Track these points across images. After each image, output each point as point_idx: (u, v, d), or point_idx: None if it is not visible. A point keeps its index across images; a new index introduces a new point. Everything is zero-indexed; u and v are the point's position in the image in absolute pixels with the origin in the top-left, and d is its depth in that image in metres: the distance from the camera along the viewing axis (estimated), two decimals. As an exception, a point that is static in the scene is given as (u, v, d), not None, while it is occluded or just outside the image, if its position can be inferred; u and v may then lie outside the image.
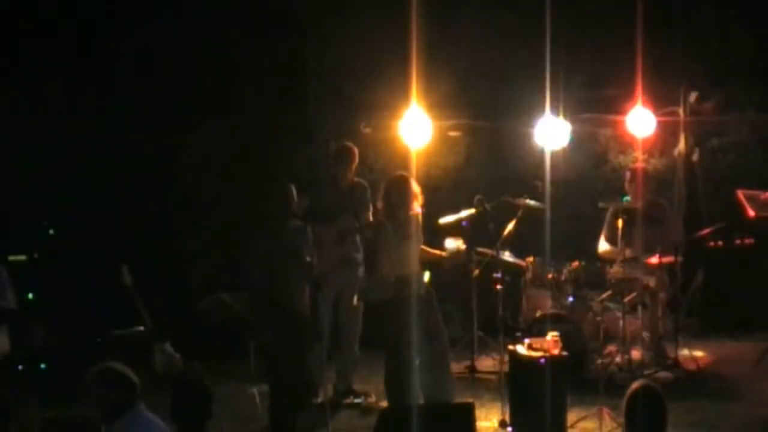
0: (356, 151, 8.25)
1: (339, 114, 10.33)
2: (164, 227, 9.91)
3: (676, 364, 8.50)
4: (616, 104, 10.27)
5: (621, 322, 8.33)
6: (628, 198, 8.86)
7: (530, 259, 8.95)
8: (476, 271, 8.64)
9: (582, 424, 7.13)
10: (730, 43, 10.60)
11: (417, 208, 7.40)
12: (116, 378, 4.90)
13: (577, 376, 7.91)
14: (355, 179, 8.29)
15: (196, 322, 8.30)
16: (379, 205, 7.50)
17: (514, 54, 10.32)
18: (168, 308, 8.69)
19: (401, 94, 9.19)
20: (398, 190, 7.37)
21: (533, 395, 6.89)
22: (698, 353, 8.95)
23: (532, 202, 8.72)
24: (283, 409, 7.01)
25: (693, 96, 10.57)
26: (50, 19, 9.72)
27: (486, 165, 10.00)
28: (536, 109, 9.59)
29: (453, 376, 7.72)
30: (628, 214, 8.61)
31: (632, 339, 8.49)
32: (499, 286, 7.55)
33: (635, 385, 4.92)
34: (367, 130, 10.30)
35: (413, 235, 7.36)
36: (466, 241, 7.76)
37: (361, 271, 8.21)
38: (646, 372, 8.29)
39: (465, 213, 8.24)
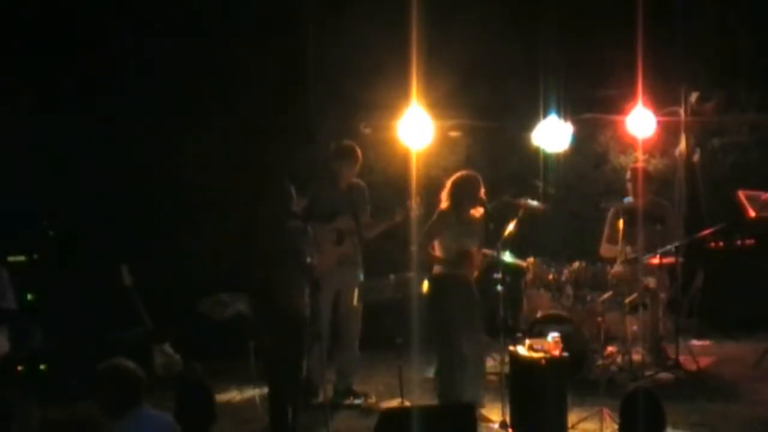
0: (358, 150, 8.24)
1: (339, 114, 10.33)
2: (164, 227, 9.90)
3: (676, 364, 8.50)
4: (616, 104, 10.27)
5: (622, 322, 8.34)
6: (629, 198, 8.88)
7: (531, 259, 8.94)
8: (476, 272, 8.64)
9: (583, 425, 7.12)
10: (731, 43, 10.60)
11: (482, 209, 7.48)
12: (123, 375, 5.04)
13: (577, 376, 7.91)
14: (354, 180, 8.28)
15: (196, 322, 8.30)
16: (444, 201, 7.51)
17: (515, 54, 10.32)
18: (168, 308, 8.68)
19: (401, 93, 9.18)
20: (466, 188, 7.41)
21: (534, 396, 6.90)
22: (698, 354, 8.93)
23: (532, 202, 8.71)
24: (283, 410, 7.00)
25: (694, 96, 10.57)
26: (52, 18, 9.71)
27: (486, 165, 9.97)
28: (536, 109, 9.58)
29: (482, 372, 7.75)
30: (629, 214, 8.61)
31: (633, 340, 8.49)
32: (499, 287, 7.55)
33: (630, 388, 4.90)
34: (367, 130, 10.30)
35: (471, 236, 7.44)
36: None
37: (360, 271, 8.21)
38: (647, 373, 8.30)
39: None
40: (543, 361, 6.86)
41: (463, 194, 7.44)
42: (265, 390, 7.37)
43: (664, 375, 8.39)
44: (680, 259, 8.91)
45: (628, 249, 8.52)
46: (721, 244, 10.06)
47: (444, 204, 7.54)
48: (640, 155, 10.02)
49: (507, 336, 7.70)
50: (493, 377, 8.27)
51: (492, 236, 7.74)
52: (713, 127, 10.78)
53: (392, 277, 7.72)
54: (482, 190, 7.48)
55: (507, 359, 7.44)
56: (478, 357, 7.60)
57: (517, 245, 8.71)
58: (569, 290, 8.74)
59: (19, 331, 7.84)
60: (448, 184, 7.55)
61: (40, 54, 9.63)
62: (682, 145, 10.66)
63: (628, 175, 9.06)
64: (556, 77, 10.07)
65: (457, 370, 7.40)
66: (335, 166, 8.21)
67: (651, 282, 8.61)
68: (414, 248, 7.94)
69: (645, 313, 8.51)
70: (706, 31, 10.56)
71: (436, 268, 7.57)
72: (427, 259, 7.56)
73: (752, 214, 8.92)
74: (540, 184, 9.49)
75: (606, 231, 8.99)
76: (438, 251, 7.55)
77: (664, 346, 8.71)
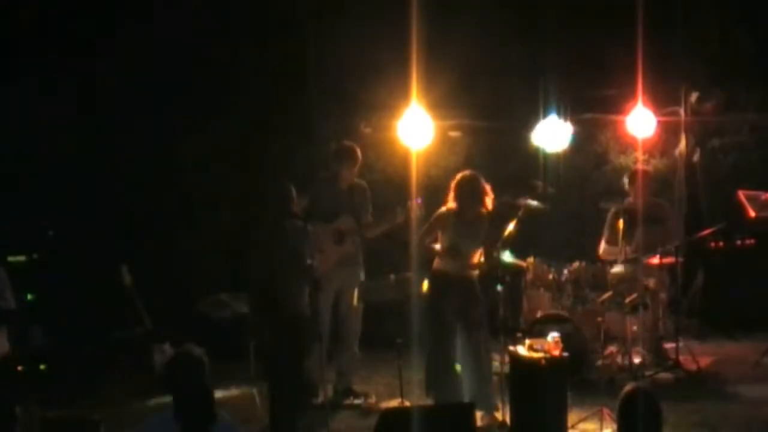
0: (359, 151, 8.24)
1: (339, 114, 10.33)
2: (164, 227, 9.90)
3: (676, 364, 8.49)
4: (616, 104, 10.27)
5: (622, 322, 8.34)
6: (630, 198, 8.88)
7: (531, 259, 8.95)
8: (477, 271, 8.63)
9: (583, 425, 7.12)
10: (731, 43, 10.60)
11: (488, 207, 7.48)
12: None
13: (577, 376, 7.91)
14: (356, 180, 8.28)
15: (196, 322, 8.29)
16: (451, 202, 7.51)
17: (515, 54, 10.32)
18: (168, 308, 8.68)
19: (401, 93, 9.18)
20: (469, 188, 7.43)
21: (534, 396, 6.89)
22: (698, 354, 8.93)
23: (532, 202, 8.71)
24: (282, 410, 7.00)
25: (693, 96, 10.57)
26: (52, 18, 9.71)
27: (486, 165, 9.98)
28: (536, 109, 9.58)
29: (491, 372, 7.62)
30: (629, 214, 8.61)
31: (633, 340, 8.49)
32: (499, 287, 7.54)
33: (628, 388, 4.89)
34: (368, 130, 10.30)
35: (472, 236, 7.42)
36: None
37: (361, 271, 8.21)
38: (647, 373, 8.29)
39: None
40: (543, 361, 6.85)
41: (464, 194, 7.44)
42: (265, 390, 7.37)
43: (664, 375, 8.39)
44: (680, 259, 8.91)
45: (628, 249, 8.52)
46: (721, 244, 10.06)
47: (449, 204, 7.54)
48: (640, 155, 10.02)
49: (507, 336, 7.70)
50: (493, 377, 8.27)
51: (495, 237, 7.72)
52: (713, 127, 10.79)
53: (392, 277, 7.72)
54: (486, 190, 7.47)
55: (507, 359, 7.44)
56: (480, 357, 7.46)
57: (517, 245, 8.71)
58: (569, 290, 8.75)
59: (19, 331, 7.84)
60: (452, 184, 7.54)
61: (40, 53, 9.63)
62: (682, 145, 10.66)
63: (627, 178, 9.05)
64: (556, 77, 10.06)
65: (440, 369, 7.40)
66: (335, 167, 8.21)
67: (651, 282, 8.61)
68: (415, 248, 7.94)
69: (645, 313, 8.52)
70: (706, 31, 10.56)
71: (435, 264, 7.57)
72: (425, 252, 7.57)
73: (752, 214, 8.92)
74: (540, 184, 9.48)
75: (605, 233, 8.98)
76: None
77: (664, 346, 8.71)
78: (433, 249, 7.58)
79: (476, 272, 7.58)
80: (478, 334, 7.45)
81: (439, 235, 7.57)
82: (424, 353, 7.70)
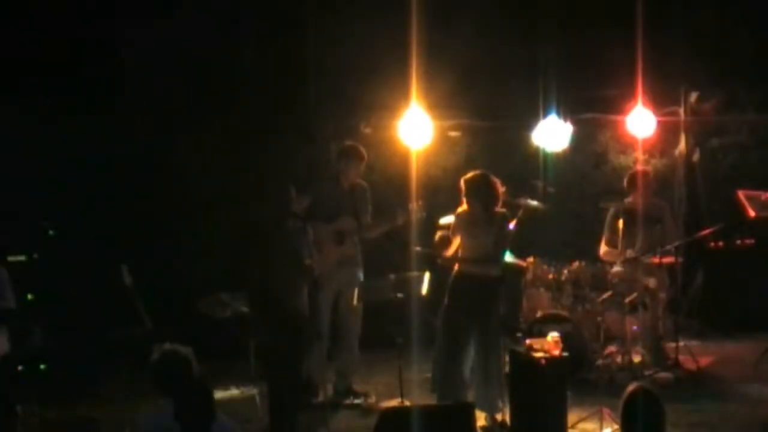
0: (363, 151, 8.24)
1: (339, 114, 10.33)
2: (164, 227, 9.89)
3: (676, 364, 8.50)
4: (616, 104, 10.28)
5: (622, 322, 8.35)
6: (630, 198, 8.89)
7: (531, 259, 8.95)
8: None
9: (582, 425, 7.12)
10: (730, 43, 10.60)
11: (498, 205, 7.45)
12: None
13: (577, 376, 7.92)
14: (357, 180, 8.28)
15: (196, 322, 8.29)
16: (465, 202, 7.48)
17: (514, 54, 10.32)
18: (168, 308, 8.67)
19: (401, 94, 9.19)
20: (475, 187, 7.40)
21: (533, 396, 6.90)
22: (698, 354, 8.93)
23: (532, 202, 8.71)
24: (282, 409, 7.00)
25: (693, 96, 10.58)
26: (52, 19, 9.71)
27: (486, 165, 9.98)
28: (536, 109, 9.59)
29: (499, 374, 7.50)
30: (629, 214, 8.61)
31: (632, 339, 8.49)
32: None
33: (631, 388, 4.88)
34: (367, 130, 10.30)
35: (485, 236, 7.37)
36: None
37: (360, 271, 8.21)
38: (647, 372, 8.30)
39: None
40: (543, 361, 6.86)
41: (469, 194, 7.41)
42: (265, 389, 7.37)
43: (664, 375, 8.39)
44: (680, 259, 8.91)
45: (629, 252, 8.52)
46: (721, 244, 10.05)
47: (462, 206, 7.53)
48: (640, 155, 10.04)
49: (507, 336, 7.70)
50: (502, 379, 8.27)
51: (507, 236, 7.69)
52: (713, 127, 10.79)
53: (392, 277, 7.72)
54: (495, 188, 7.40)
55: (507, 359, 7.44)
56: (489, 358, 7.35)
57: (517, 245, 8.71)
58: (569, 290, 8.75)
59: (19, 331, 7.84)
60: (460, 184, 7.52)
61: (39, 54, 9.62)
62: (682, 145, 10.67)
63: (627, 178, 9.05)
64: (556, 77, 10.07)
65: (448, 369, 7.39)
66: (341, 166, 8.20)
67: (651, 282, 8.61)
68: (415, 248, 7.95)
69: (645, 313, 8.52)
70: (706, 31, 10.56)
71: (456, 266, 7.54)
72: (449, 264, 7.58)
73: (752, 214, 8.92)
74: (540, 183, 9.49)
75: (605, 234, 8.99)
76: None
77: (664, 345, 8.71)
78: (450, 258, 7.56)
79: (498, 272, 7.48)
80: (490, 335, 7.37)
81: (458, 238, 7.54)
82: (425, 352, 7.71)
